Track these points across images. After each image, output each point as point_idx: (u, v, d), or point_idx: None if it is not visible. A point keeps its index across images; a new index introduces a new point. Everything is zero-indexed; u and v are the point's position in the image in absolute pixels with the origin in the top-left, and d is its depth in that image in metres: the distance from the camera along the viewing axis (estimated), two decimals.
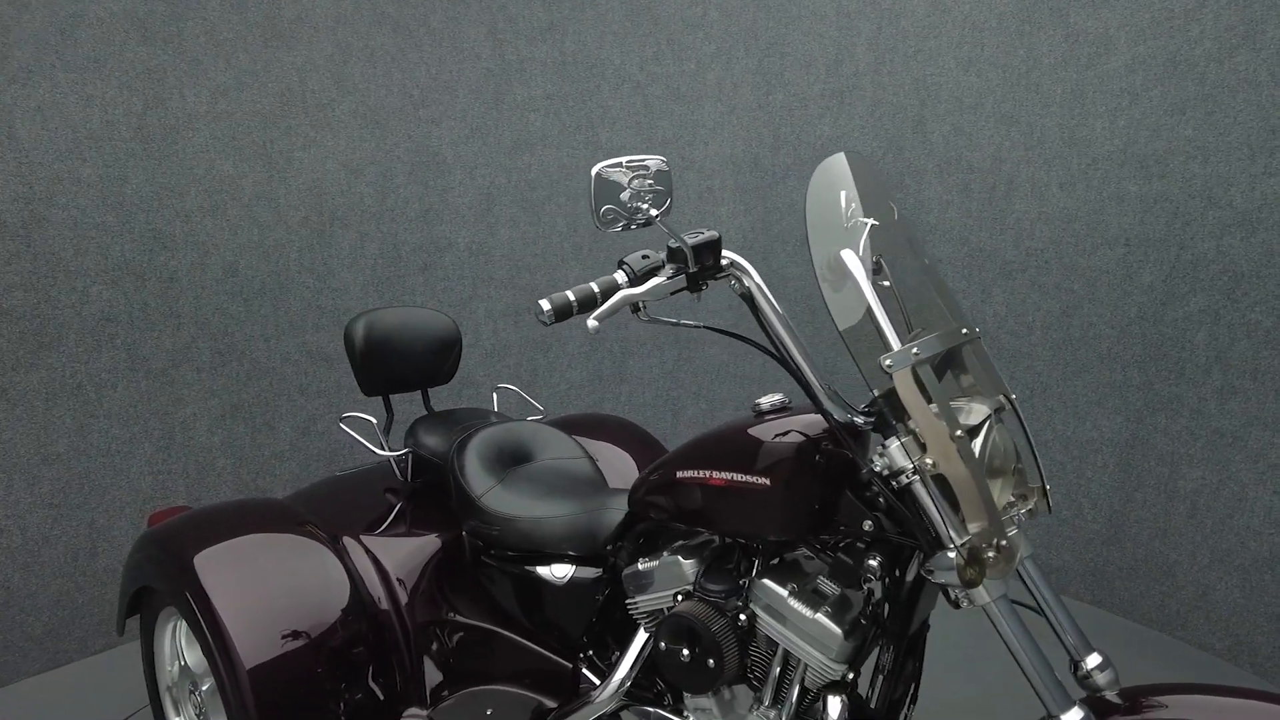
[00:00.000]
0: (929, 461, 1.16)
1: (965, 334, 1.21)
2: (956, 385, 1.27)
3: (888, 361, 1.15)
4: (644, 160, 1.31)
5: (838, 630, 1.31)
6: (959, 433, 1.11)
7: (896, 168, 3.01)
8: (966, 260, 2.93)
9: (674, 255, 1.29)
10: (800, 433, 1.33)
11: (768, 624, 1.37)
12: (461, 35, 3.04)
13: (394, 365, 2.08)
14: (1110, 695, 1.15)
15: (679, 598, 1.47)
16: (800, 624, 1.33)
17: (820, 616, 1.31)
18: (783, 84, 3.15)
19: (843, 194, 1.26)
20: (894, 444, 1.17)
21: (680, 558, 1.51)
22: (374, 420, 2.01)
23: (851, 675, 1.34)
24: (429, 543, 1.85)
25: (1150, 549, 2.59)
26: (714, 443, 1.43)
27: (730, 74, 3.18)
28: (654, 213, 1.29)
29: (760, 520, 1.36)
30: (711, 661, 1.37)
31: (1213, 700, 1.10)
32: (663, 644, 1.43)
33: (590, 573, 1.67)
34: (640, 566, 1.56)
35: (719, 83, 3.20)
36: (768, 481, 1.32)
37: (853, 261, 1.18)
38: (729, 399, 3.38)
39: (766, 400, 1.43)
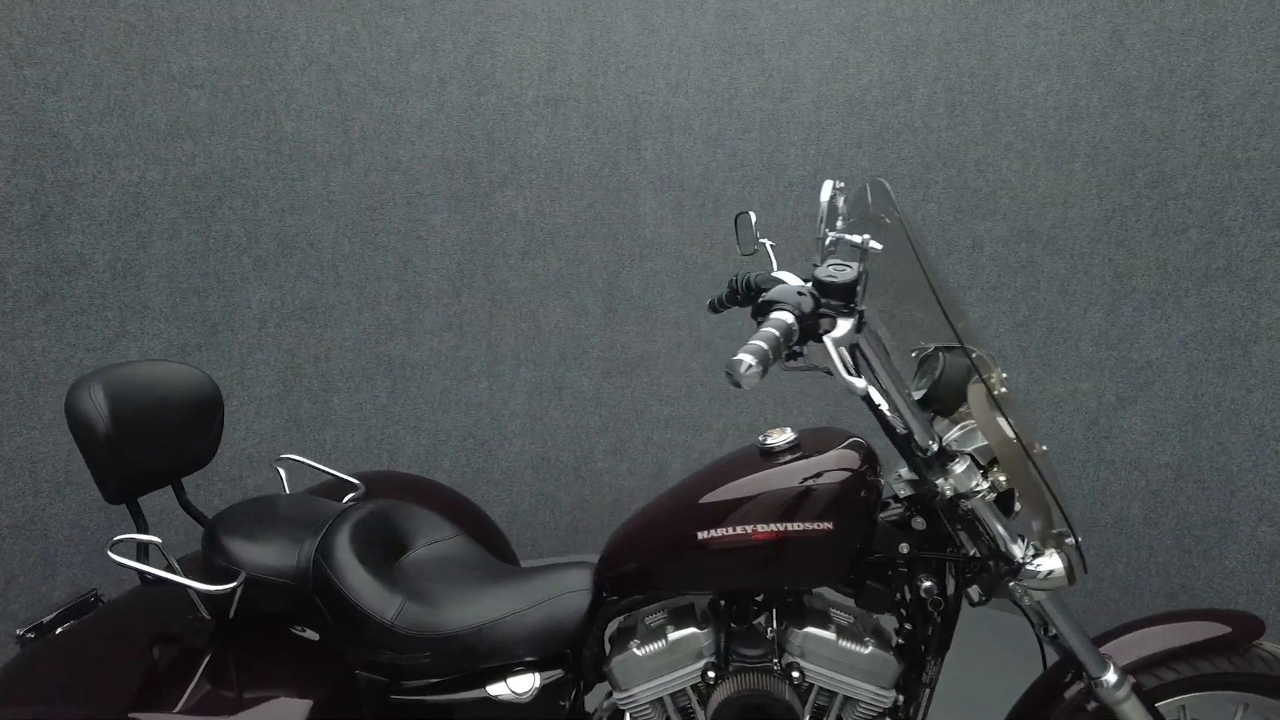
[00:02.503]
0: (1001, 478, 1.22)
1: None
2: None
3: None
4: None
5: (892, 658, 1.31)
6: (1042, 447, 1.19)
7: (613, 183, 3.04)
8: (681, 272, 3.10)
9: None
10: (843, 469, 1.28)
11: (814, 672, 1.31)
12: None
13: (148, 450, 1.44)
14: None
15: (709, 674, 1.31)
16: (853, 661, 1.31)
17: (874, 650, 1.30)
18: (494, 85, 2.93)
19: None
20: (960, 466, 1.20)
21: (693, 629, 1.34)
22: (156, 540, 1.36)
23: (902, 699, 1.35)
24: (293, 709, 1.31)
25: None
26: (742, 495, 1.30)
27: (436, 67, 2.85)
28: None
29: (821, 567, 1.29)
30: None
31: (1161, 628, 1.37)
32: None
33: (553, 676, 1.38)
34: (637, 652, 1.35)
35: (424, 76, 2.84)
36: (830, 525, 1.26)
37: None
38: (453, 429, 3.05)
39: (780, 439, 1.35)
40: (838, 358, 1.06)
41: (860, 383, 1.05)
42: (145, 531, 1.56)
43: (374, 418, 2.93)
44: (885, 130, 2.85)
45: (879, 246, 1.16)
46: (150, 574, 1.33)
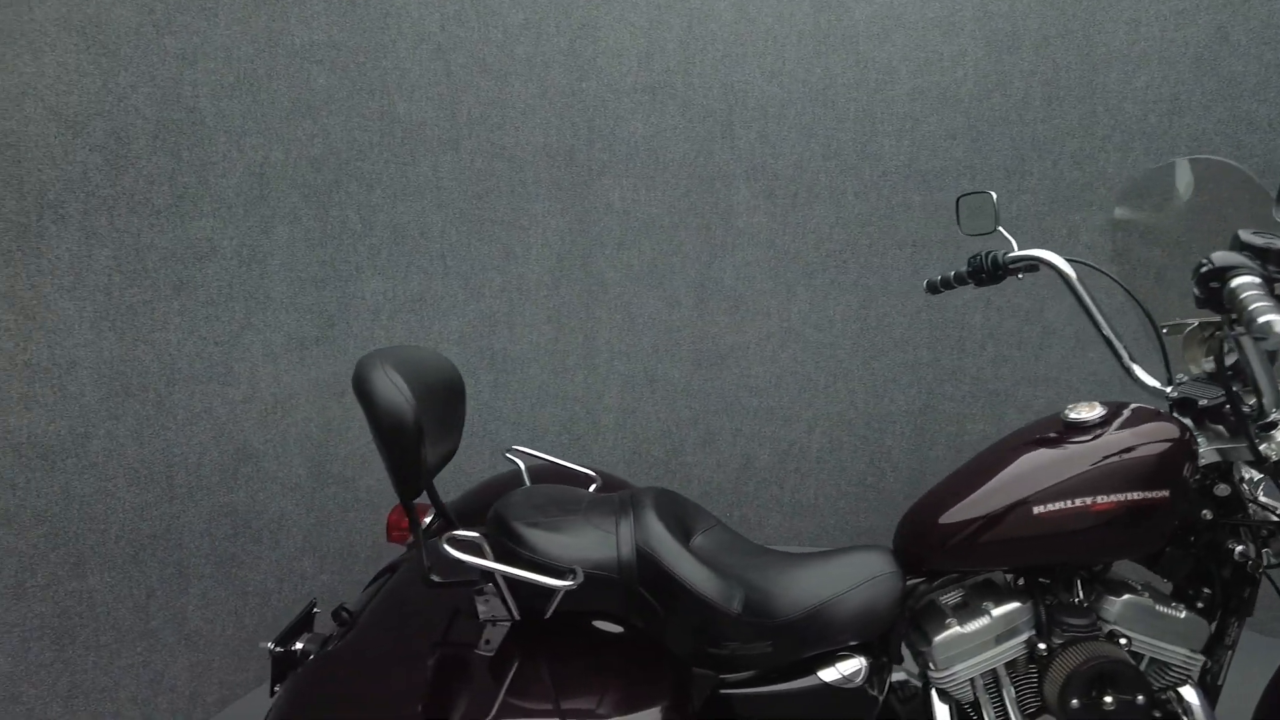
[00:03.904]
0: None
1: None
2: None
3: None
4: None
5: (1204, 621, 1.35)
6: None
7: (707, 172, 3.02)
8: (773, 261, 3.11)
9: None
10: (1166, 439, 1.31)
11: (1133, 638, 1.34)
12: None
13: (433, 440, 1.35)
14: None
15: (1038, 646, 1.32)
16: (1170, 626, 1.34)
17: (1188, 614, 1.34)
18: (595, 71, 2.86)
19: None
20: None
21: (1015, 604, 1.35)
22: (474, 534, 1.26)
23: (1210, 663, 1.38)
24: (654, 706, 1.24)
25: None
26: (1079, 468, 1.31)
27: (540, 51, 2.76)
28: None
29: (1150, 535, 1.31)
30: (1141, 698, 1.26)
31: None
32: (1074, 701, 1.26)
33: (872, 660, 1.36)
34: (962, 630, 1.35)
35: (529, 59, 2.75)
36: (1166, 494, 1.29)
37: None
38: (550, 423, 2.96)
39: (1091, 413, 1.37)
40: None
41: None
42: (451, 526, 1.47)
43: (477, 413, 2.81)
44: (980, 122, 2.93)
45: None
46: (496, 570, 1.23)
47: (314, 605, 1.63)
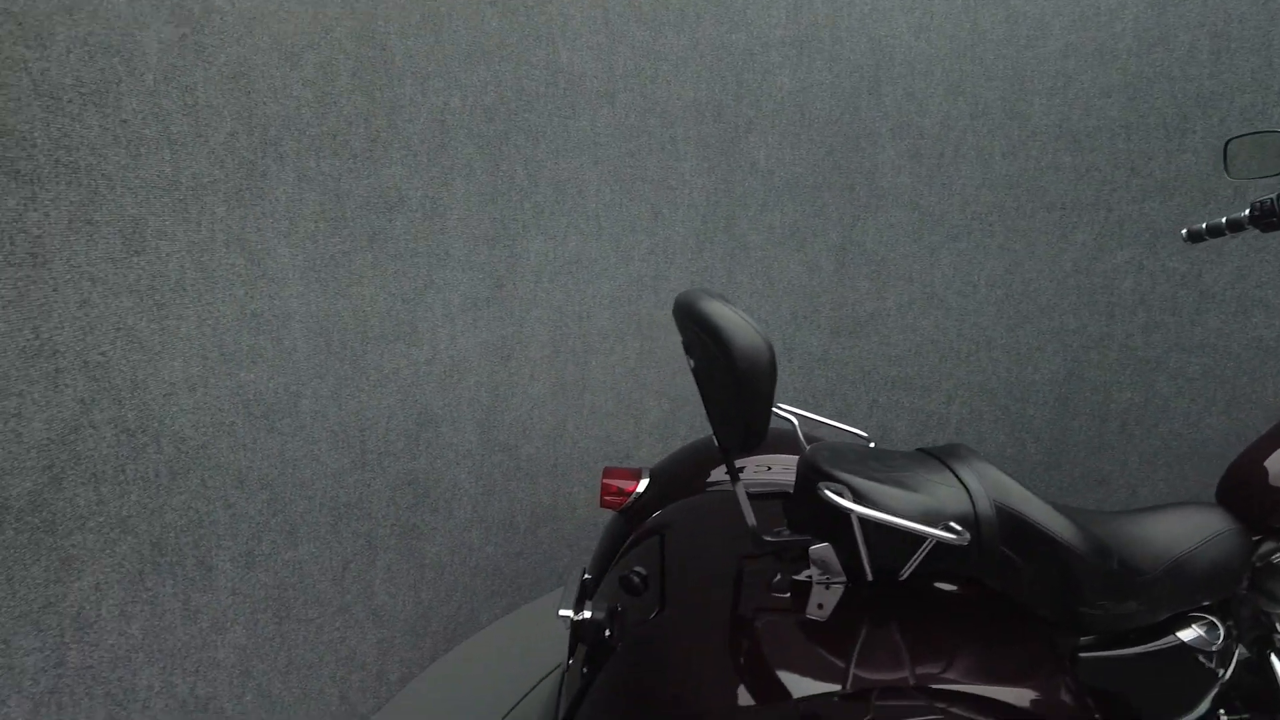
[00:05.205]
0: None
1: None
2: None
3: None
4: None
5: None
6: None
7: (853, 130, 2.90)
8: (916, 224, 2.99)
9: None
10: None
11: None
12: None
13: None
14: None
15: None
16: None
17: None
18: (745, 22, 2.73)
19: None
20: None
21: None
22: (840, 485, 1.15)
23: None
24: (1042, 671, 1.14)
25: (1086, 465, 3.07)
26: None
27: (693, 0, 2.63)
28: None
29: None
30: None
31: None
32: None
33: (1222, 621, 1.27)
34: None
35: (681, 9, 2.61)
36: None
37: None
38: (690, 393, 2.84)
39: None
40: None
41: None
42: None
43: (624, 381, 2.70)
44: (1138, 79, 2.82)
45: None
46: (898, 525, 1.12)
47: (585, 572, 1.54)
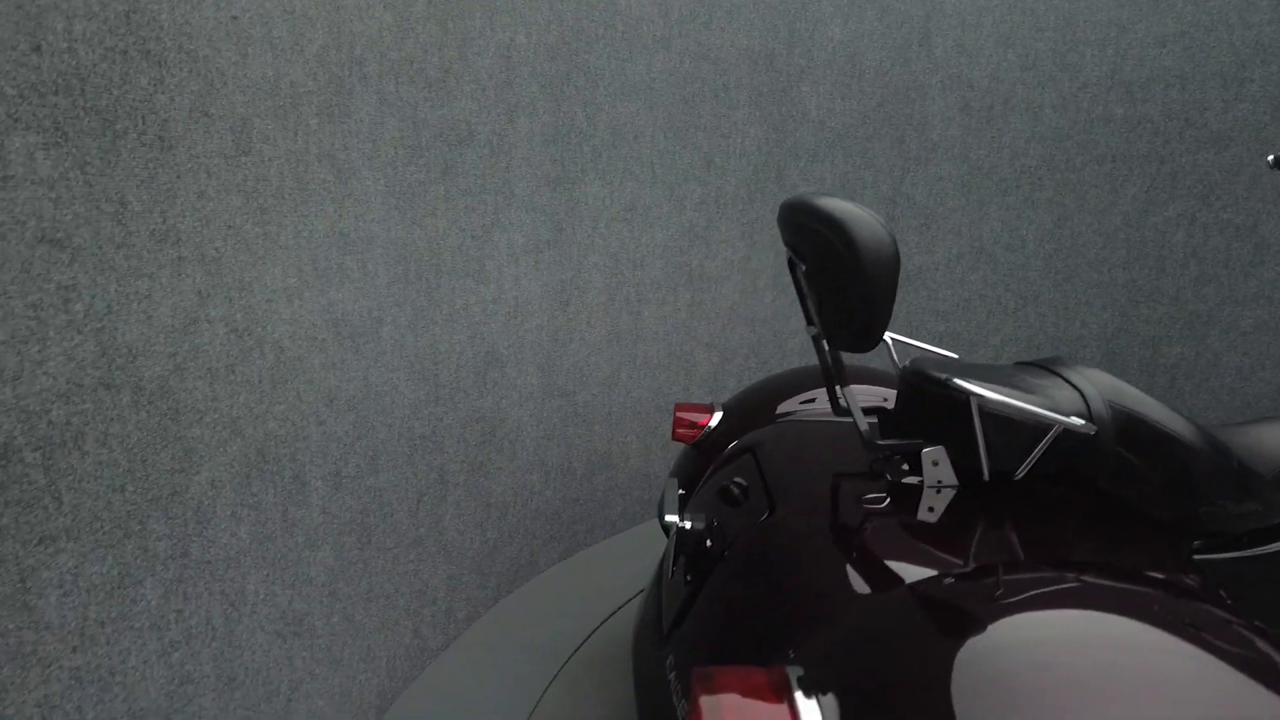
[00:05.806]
0: None
1: None
2: None
3: None
4: None
5: None
6: None
7: (903, 81, 2.88)
8: (966, 177, 2.98)
9: None
10: None
11: None
12: None
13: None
14: None
15: None
16: None
17: None
18: None
19: None
20: None
21: None
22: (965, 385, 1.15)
23: None
24: (1164, 568, 1.13)
25: None
26: None
27: None
28: None
29: None
30: None
31: None
32: None
33: None
34: None
35: None
36: None
37: None
38: (739, 347, 2.83)
39: None
40: None
41: None
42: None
43: (675, 333, 2.69)
44: (1194, 28, 2.80)
45: None
46: (1027, 410, 1.11)
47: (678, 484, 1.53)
